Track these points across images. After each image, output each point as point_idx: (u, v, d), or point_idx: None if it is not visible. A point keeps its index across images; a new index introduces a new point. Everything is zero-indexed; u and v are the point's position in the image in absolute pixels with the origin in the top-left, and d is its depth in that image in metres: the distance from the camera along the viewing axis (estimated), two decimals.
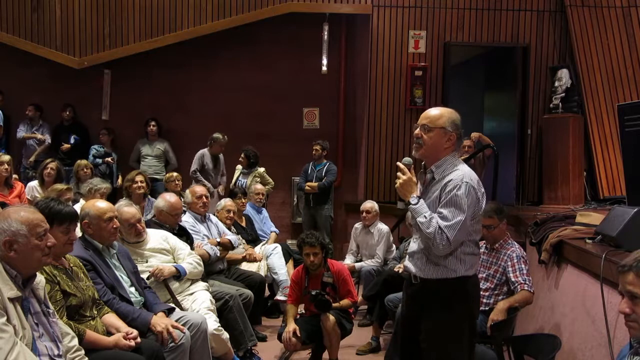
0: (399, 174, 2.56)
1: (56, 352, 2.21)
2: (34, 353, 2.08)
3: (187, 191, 4.79)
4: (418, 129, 2.59)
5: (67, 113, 7.24)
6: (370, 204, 5.53)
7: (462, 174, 2.49)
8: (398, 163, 2.61)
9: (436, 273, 2.54)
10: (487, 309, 3.60)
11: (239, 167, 6.93)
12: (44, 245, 2.18)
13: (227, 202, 5.23)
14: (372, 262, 5.31)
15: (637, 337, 1.68)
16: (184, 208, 5.28)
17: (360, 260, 5.48)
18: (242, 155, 6.78)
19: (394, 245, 5.53)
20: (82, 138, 7.25)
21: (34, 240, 2.15)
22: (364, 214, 5.49)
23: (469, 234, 2.51)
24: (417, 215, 2.48)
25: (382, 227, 5.44)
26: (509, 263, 3.64)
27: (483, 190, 2.57)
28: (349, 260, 5.52)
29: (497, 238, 3.77)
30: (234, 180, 6.86)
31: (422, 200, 2.51)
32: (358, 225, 5.62)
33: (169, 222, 4.08)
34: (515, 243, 3.81)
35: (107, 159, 7.13)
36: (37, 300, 2.24)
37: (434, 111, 2.61)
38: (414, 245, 2.66)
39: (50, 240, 2.22)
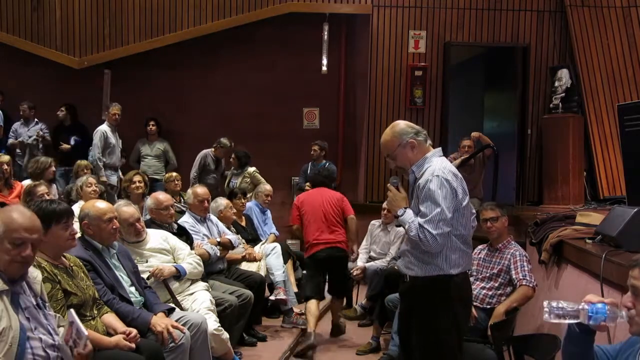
0: (388, 193, 2.74)
1: (50, 342, 2.21)
2: (22, 346, 2.07)
3: (190, 192, 4.76)
4: (391, 162, 2.75)
5: (63, 112, 7.09)
6: None
7: (433, 169, 2.60)
8: (388, 185, 2.78)
9: (422, 270, 2.63)
10: (488, 307, 3.62)
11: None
12: (17, 254, 2.09)
13: (226, 201, 5.20)
14: (381, 262, 5.27)
15: (636, 333, 1.69)
16: (183, 208, 5.30)
17: (370, 258, 5.44)
18: (233, 156, 6.77)
19: None
20: (83, 139, 7.13)
21: (7, 244, 2.08)
22: (385, 211, 5.38)
23: (455, 227, 2.58)
24: (404, 224, 2.62)
25: (400, 228, 5.38)
26: (512, 260, 3.66)
27: (464, 186, 2.64)
28: (361, 260, 5.37)
29: (501, 234, 3.78)
30: (226, 182, 6.84)
31: (408, 210, 2.64)
32: (376, 222, 5.49)
33: (161, 218, 4.07)
34: (518, 245, 3.83)
35: None
36: (33, 294, 2.23)
37: (384, 139, 2.75)
38: (403, 245, 2.79)
39: (26, 252, 2.12)
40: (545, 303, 1.75)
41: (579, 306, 1.72)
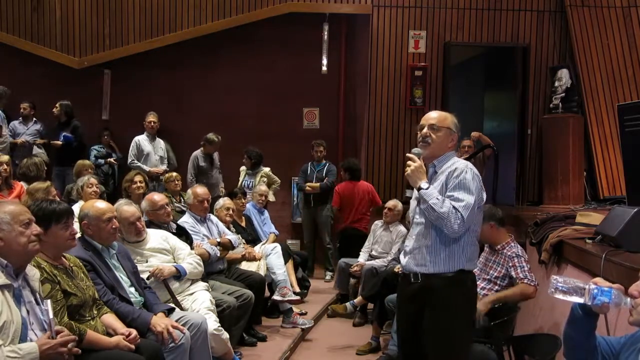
0: (409, 162, 2.63)
1: None
2: (23, 341, 2.12)
3: (190, 192, 4.78)
4: (425, 129, 2.67)
5: (57, 109, 6.98)
6: (394, 202, 5.65)
7: (466, 162, 2.64)
8: (408, 154, 2.68)
9: (439, 266, 2.59)
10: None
11: (244, 167, 6.93)
12: (30, 233, 2.24)
13: (225, 200, 5.23)
14: (380, 261, 5.32)
15: (634, 323, 1.70)
16: (183, 208, 5.30)
17: (371, 257, 5.53)
18: (245, 157, 6.80)
19: None
20: (74, 136, 6.95)
21: (18, 227, 2.21)
22: (386, 210, 5.56)
23: (475, 222, 2.60)
24: (429, 198, 2.53)
25: (402, 228, 5.49)
26: (510, 263, 3.64)
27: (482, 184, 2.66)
28: (362, 257, 5.56)
29: (488, 239, 3.76)
30: (240, 182, 6.84)
31: (432, 186, 2.60)
32: (379, 222, 5.68)
33: (158, 219, 4.07)
34: (518, 245, 3.81)
35: (109, 159, 7.12)
36: (31, 290, 2.26)
37: (438, 113, 2.73)
38: (410, 242, 2.70)
39: (35, 229, 2.27)
40: (552, 277, 1.74)
41: (585, 285, 1.71)
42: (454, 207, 2.49)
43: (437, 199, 2.52)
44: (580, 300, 1.72)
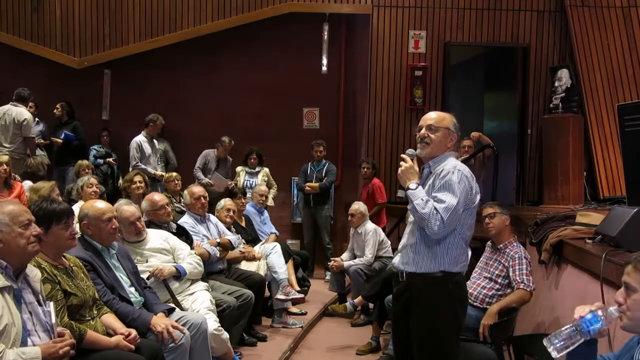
0: (401, 162, 2.64)
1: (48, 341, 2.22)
2: (24, 343, 2.11)
3: (186, 192, 4.79)
4: (423, 130, 2.67)
5: (58, 110, 7.07)
6: (355, 206, 5.57)
7: (455, 164, 2.61)
8: (402, 154, 2.68)
9: (421, 265, 2.60)
10: (488, 307, 3.61)
11: (241, 168, 6.92)
12: (29, 234, 2.22)
13: (226, 201, 5.23)
14: (358, 260, 5.37)
15: (626, 328, 1.72)
16: (183, 208, 5.30)
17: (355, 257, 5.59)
18: (254, 155, 6.80)
19: (388, 243, 5.54)
20: (74, 134, 6.99)
21: (17, 228, 2.20)
22: (350, 217, 5.55)
23: (461, 224, 2.58)
24: (414, 199, 2.54)
25: (369, 226, 5.48)
26: (511, 263, 3.66)
27: (477, 186, 2.64)
28: (345, 256, 5.64)
29: (500, 231, 3.77)
30: (240, 182, 6.84)
31: (420, 187, 2.60)
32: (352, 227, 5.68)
33: (158, 219, 4.07)
34: (521, 245, 3.82)
35: (109, 159, 7.12)
36: (32, 291, 2.26)
37: (437, 113, 2.72)
38: (403, 240, 2.73)
39: (35, 230, 2.25)
40: (545, 343, 1.76)
41: (575, 326, 1.74)
42: (435, 208, 2.48)
43: (421, 199, 2.52)
44: (581, 340, 1.74)
